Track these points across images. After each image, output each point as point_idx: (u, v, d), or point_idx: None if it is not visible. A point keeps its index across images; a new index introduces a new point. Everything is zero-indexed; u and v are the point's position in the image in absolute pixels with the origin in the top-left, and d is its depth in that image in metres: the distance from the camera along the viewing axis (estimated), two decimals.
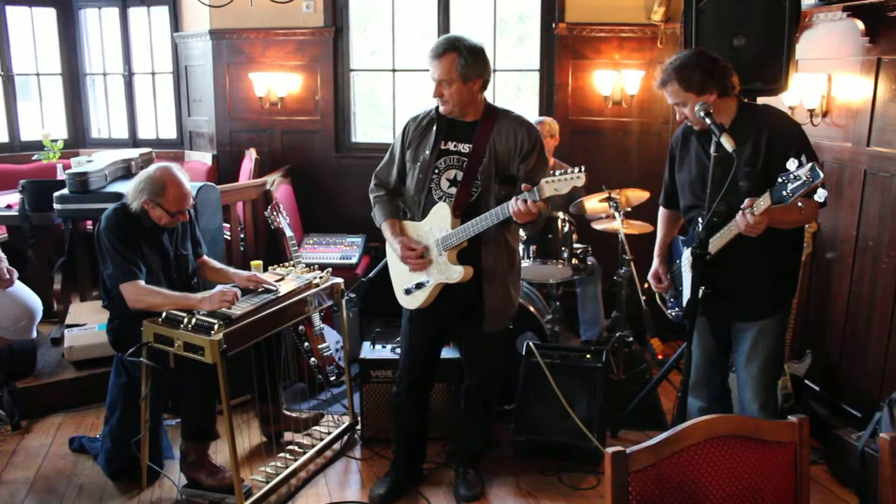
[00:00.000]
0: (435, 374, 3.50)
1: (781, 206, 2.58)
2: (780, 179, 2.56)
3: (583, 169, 2.83)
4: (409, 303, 3.31)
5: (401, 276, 3.31)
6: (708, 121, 2.72)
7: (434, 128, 3.18)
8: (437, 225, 3.14)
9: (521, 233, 4.33)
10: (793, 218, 2.76)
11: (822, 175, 2.48)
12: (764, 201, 2.61)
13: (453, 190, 3.14)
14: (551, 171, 2.91)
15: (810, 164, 2.49)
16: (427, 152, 3.16)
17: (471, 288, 3.16)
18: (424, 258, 3.17)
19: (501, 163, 3.12)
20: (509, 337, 3.41)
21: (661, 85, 2.89)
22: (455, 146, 3.16)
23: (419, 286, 3.23)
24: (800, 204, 2.58)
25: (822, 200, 2.51)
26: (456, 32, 3.16)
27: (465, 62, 3.00)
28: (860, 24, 3.66)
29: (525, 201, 2.87)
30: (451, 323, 3.38)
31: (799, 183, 2.50)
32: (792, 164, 2.53)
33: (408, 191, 3.27)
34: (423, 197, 3.19)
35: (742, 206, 2.67)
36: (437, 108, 3.19)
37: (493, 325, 3.25)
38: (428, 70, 3.10)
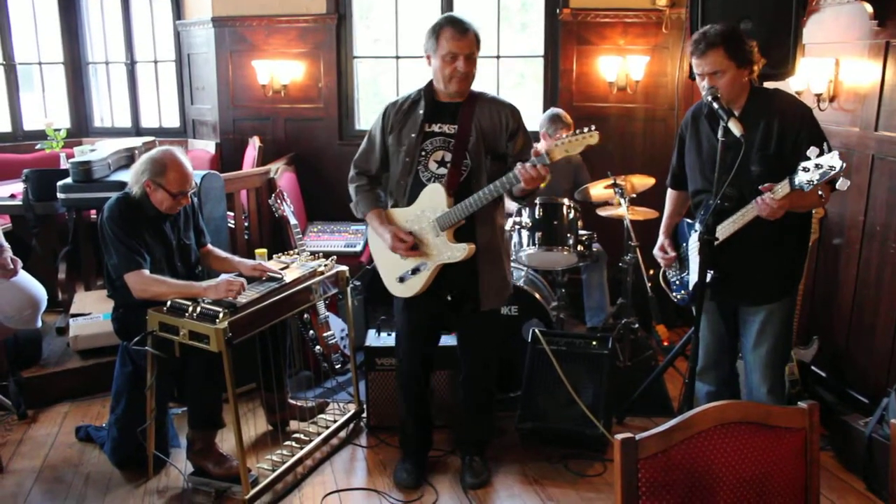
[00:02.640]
0: (433, 360, 3.53)
1: (801, 191, 2.57)
2: (801, 167, 2.55)
3: (593, 127, 2.83)
4: (403, 291, 3.29)
5: (392, 264, 3.29)
6: (716, 105, 2.70)
7: (418, 110, 3.19)
8: (430, 206, 3.14)
9: (525, 218, 4.32)
10: (812, 201, 2.76)
11: (843, 164, 2.47)
12: (782, 188, 2.61)
13: (443, 171, 3.14)
14: (561, 136, 2.92)
15: (834, 153, 2.48)
16: (413, 135, 3.17)
17: (466, 267, 3.17)
18: (416, 248, 3.17)
19: (489, 140, 3.15)
20: (502, 319, 3.43)
21: (707, 48, 2.77)
22: (440, 128, 3.17)
23: (415, 271, 3.22)
24: (820, 192, 2.57)
25: (844, 189, 2.50)
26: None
27: (480, 38, 3.13)
28: (868, 8, 3.62)
29: (535, 166, 2.87)
30: (446, 306, 3.38)
31: (821, 171, 2.50)
32: (813, 153, 2.52)
33: (392, 176, 3.27)
34: (410, 180, 3.20)
35: (761, 189, 2.66)
36: (421, 90, 3.21)
37: (490, 304, 3.27)
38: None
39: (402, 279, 3.27)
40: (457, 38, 3.05)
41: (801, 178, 2.56)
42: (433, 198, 3.13)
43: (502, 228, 3.31)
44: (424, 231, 3.17)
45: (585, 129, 2.84)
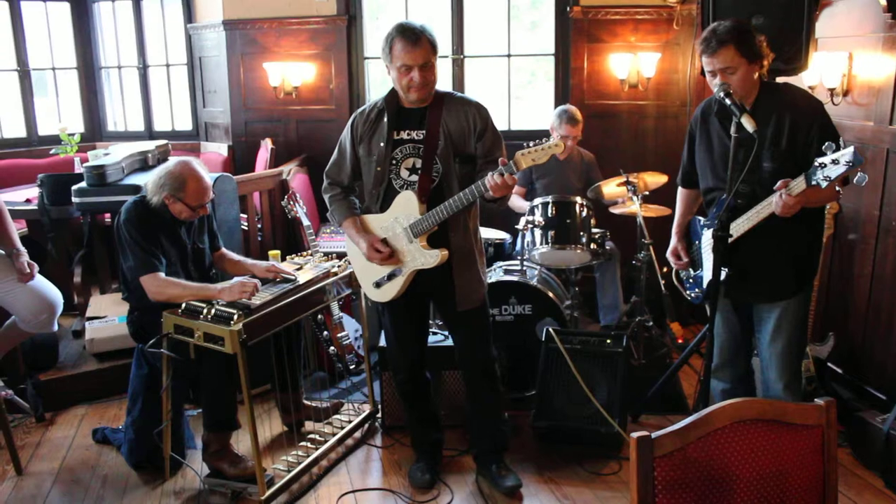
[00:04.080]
0: (426, 359, 3.51)
1: (817, 187, 2.56)
2: (816, 163, 2.53)
3: (558, 136, 2.83)
4: (380, 296, 3.29)
5: (368, 270, 3.29)
6: (728, 101, 2.68)
7: (385, 119, 3.16)
8: (403, 213, 3.13)
9: (538, 217, 4.32)
10: (827, 196, 2.75)
11: (862, 159, 2.46)
12: (798, 185, 2.59)
13: (414, 178, 3.13)
14: (527, 144, 2.90)
15: (851, 148, 2.46)
16: (382, 144, 3.15)
17: (441, 271, 3.16)
18: (392, 256, 3.16)
19: (457, 143, 3.12)
20: (487, 313, 3.41)
21: (718, 46, 2.75)
22: (408, 134, 3.15)
23: (391, 277, 3.22)
24: (838, 188, 2.56)
25: (862, 184, 2.49)
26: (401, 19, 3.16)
27: (435, 41, 3.06)
28: (882, 0, 3.59)
29: (502, 175, 2.86)
30: (426, 306, 3.42)
31: (837, 167, 2.48)
32: (829, 148, 2.51)
33: (365, 185, 3.26)
34: (383, 189, 3.18)
35: (775, 188, 2.65)
36: (385, 98, 3.17)
37: (466, 304, 3.25)
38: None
39: (378, 284, 3.27)
40: (408, 49, 2.99)
41: (817, 174, 2.54)
42: (406, 205, 3.12)
43: (475, 230, 3.29)
44: (398, 238, 3.16)
45: (551, 139, 2.85)
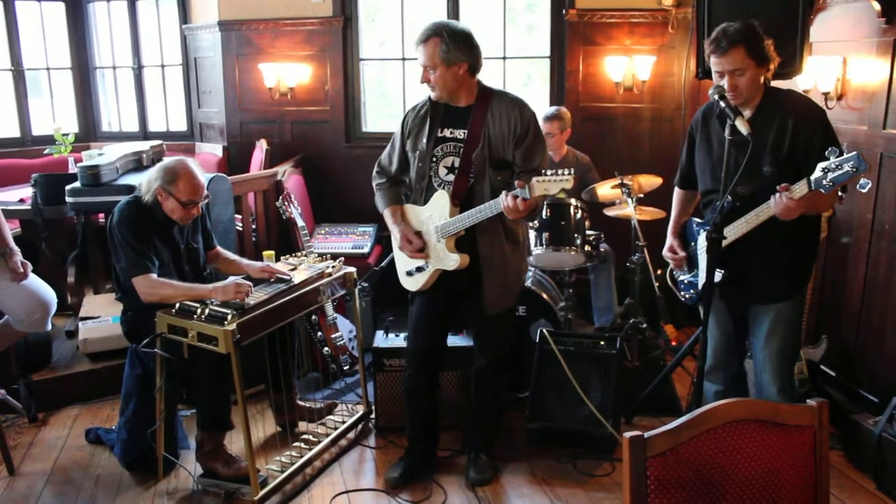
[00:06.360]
0: (443, 356, 3.51)
1: (819, 192, 2.57)
2: (820, 167, 2.55)
3: (572, 171, 2.84)
4: (411, 284, 3.36)
5: (404, 258, 3.36)
6: (722, 104, 2.69)
7: (429, 116, 3.20)
8: (437, 212, 3.18)
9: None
10: (828, 202, 2.76)
11: (867, 165, 2.47)
12: (801, 188, 2.60)
13: (451, 177, 3.16)
14: (545, 172, 2.91)
15: (855, 154, 2.48)
16: (424, 140, 3.19)
17: (470, 274, 3.19)
18: (422, 250, 3.21)
19: (495, 148, 3.13)
20: (513, 316, 3.46)
21: (729, 46, 2.74)
22: (451, 133, 3.18)
23: (419, 269, 3.29)
24: (840, 193, 2.57)
25: (864, 190, 2.50)
26: (443, 19, 3.18)
27: (446, 47, 3.03)
28: (876, 5, 3.61)
29: (515, 198, 2.88)
30: (455, 304, 3.41)
31: (841, 172, 2.50)
32: (833, 153, 2.52)
33: (411, 179, 3.31)
34: (425, 185, 3.24)
35: (778, 189, 2.66)
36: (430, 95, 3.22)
37: (494, 309, 3.27)
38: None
39: (409, 273, 3.34)
40: (416, 49, 3.09)
41: (820, 177, 2.55)
42: (439, 204, 3.17)
43: (513, 234, 3.25)
44: (430, 234, 3.22)
45: (565, 171, 2.84)
